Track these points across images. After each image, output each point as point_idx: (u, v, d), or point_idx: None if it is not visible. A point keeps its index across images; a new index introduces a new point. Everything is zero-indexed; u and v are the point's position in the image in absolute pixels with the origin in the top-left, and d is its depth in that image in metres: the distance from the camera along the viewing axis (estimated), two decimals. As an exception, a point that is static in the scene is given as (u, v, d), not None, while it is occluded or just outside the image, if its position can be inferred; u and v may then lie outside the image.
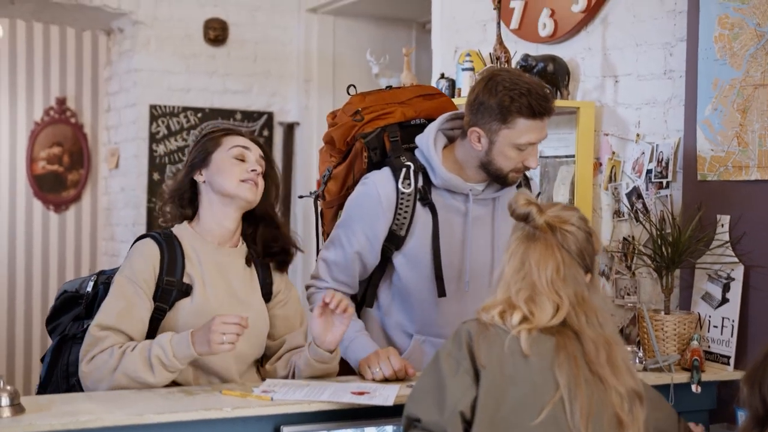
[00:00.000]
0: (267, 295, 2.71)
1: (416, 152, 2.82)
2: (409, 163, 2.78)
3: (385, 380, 2.62)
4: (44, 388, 2.68)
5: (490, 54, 3.97)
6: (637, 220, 3.49)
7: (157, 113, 6.00)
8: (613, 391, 2.09)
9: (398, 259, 2.81)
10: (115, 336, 2.47)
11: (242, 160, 2.60)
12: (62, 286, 2.80)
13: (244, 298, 2.65)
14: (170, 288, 2.55)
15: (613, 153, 3.65)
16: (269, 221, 2.71)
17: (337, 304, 2.53)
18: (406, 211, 2.76)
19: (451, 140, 2.84)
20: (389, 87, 3.24)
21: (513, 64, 3.80)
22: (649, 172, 3.47)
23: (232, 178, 2.58)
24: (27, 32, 7.38)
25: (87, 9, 5.88)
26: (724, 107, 3.09)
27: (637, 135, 3.56)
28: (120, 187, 6.23)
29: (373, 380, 2.63)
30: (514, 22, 4.10)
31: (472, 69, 3.86)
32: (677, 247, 3.06)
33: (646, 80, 3.57)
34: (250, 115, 6.24)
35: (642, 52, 3.59)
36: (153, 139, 6.00)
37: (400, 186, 2.76)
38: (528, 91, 2.62)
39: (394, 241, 2.79)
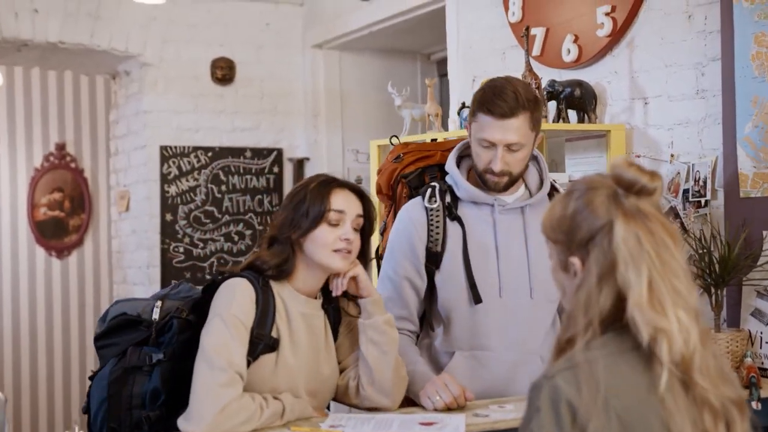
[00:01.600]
0: (335, 332, 2.69)
1: (446, 177, 2.88)
2: (434, 184, 2.86)
3: (447, 408, 2.61)
4: (105, 419, 2.56)
5: (515, 81, 3.99)
6: (676, 240, 3.49)
7: (167, 154, 5.98)
8: (705, 407, 1.63)
9: (438, 277, 2.83)
10: (240, 382, 2.40)
11: (336, 225, 2.55)
12: (117, 307, 2.67)
13: (323, 353, 2.61)
14: (258, 341, 2.48)
15: (647, 174, 3.66)
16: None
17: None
18: (437, 227, 2.81)
19: None
20: (434, 140, 3.30)
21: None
22: (686, 191, 3.49)
23: (325, 249, 2.52)
24: (24, 78, 7.36)
25: (95, 53, 5.88)
26: (765, 124, 3.11)
27: (672, 155, 3.58)
28: (131, 230, 6.20)
29: (435, 410, 2.61)
30: (536, 49, 4.13)
31: (501, 96, 3.87)
32: (726, 264, 3.07)
33: (677, 101, 3.59)
34: (259, 152, 6.23)
35: (672, 73, 3.62)
36: (164, 180, 5.97)
37: (426, 204, 2.82)
38: (494, 88, 2.70)
39: (432, 260, 2.82)
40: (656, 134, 3.68)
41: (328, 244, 2.51)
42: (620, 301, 1.63)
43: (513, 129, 2.67)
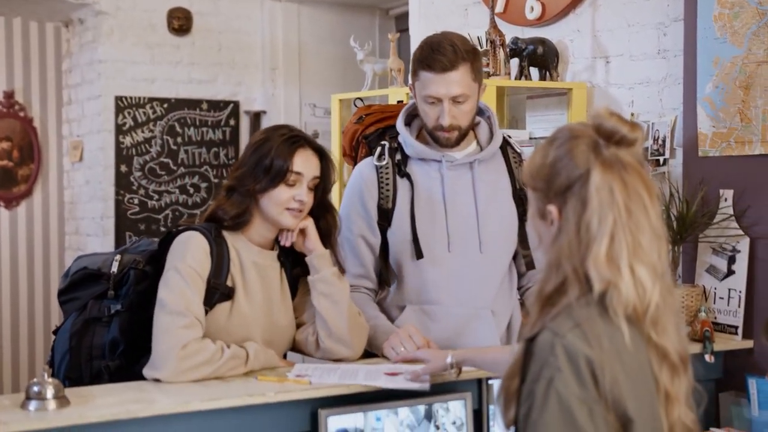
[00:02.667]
0: (293, 289, 2.72)
1: (398, 136, 2.90)
2: (384, 142, 2.89)
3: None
4: (66, 370, 2.60)
5: (479, 38, 4.00)
6: (634, 197, 3.55)
7: (122, 104, 5.91)
8: (665, 361, 1.69)
9: (389, 233, 2.87)
10: (199, 326, 2.44)
11: (293, 185, 2.56)
12: (79, 261, 2.72)
13: (277, 304, 2.65)
14: (214, 290, 2.52)
15: (606, 133, 3.71)
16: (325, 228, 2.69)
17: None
18: (387, 184, 2.84)
19: None
20: (400, 101, 3.31)
21: (503, 46, 3.84)
22: (645, 149, 3.54)
23: (278, 207, 2.55)
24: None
25: (48, 0, 5.76)
26: (725, 84, 3.17)
27: (632, 114, 3.63)
28: (85, 180, 6.13)
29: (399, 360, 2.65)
30: (500, 6, 4.14)
31: (464, 52, 3.87)
32: (683, 221, 3.14)
33: (638, 60, 3.64)
34: (216, 105, 6.18)
35: (634, 32, 3.65)
36: (119, 130, 5.90)
37: (375, 161, 2.86)
38: (431, 44, 2.73)
39: (384, 217, 2.85)
40: (617, 93, 3.72)
41: (282, 203, 2.55)
42: None
43: (455, 81, 2.70)
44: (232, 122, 6.22)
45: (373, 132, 3.01)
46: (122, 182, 5.92)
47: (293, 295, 2.72)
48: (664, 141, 3.47)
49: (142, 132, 5.98)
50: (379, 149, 2.87)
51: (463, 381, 2.53)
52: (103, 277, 2.64)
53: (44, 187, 7.41)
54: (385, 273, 2.91)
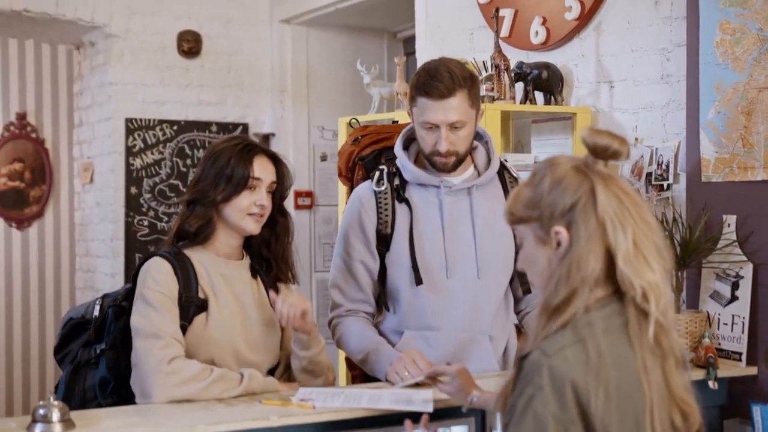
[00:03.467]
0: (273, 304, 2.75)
1: (396, 160, 2.93)
2: (382, 167, 2.91)
3: (415, 384, 2.65)
4: None
5: (484, 62, 4.04)
6: (638, 221, 3.57)
7: (133, 126, 5.96)
8: (672, 359, 1.75)
9: (387, 258, 2.88)
10: (177, 344, 2.47)
11: (253, 189, 2.62)
12: (67, 314, 2.79)
13: (253, 310, 2.68)
14: (189, 304, 2.56)
15: (611, 157, 3.73)
16: (279, 238, 2.74)
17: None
18: (386, 210, 2.86)
19: None
20: (395, 121, 3.35)
21: (509, 71, 3.87)
22: (649, 175, 3.56)
23: (240, 213, 2.61)
24: (-15, 47, 7.28)
25: (59, 23, 5.82)
26: (727, 110, 3.19)
27: (636, 139, 3.65)
28: (95, 202, 6.17)
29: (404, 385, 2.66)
30: (505, 30, 4.17)
31: (470, 77, 3.91)
32: (687, 247, 3.15)
33: (642, 85, 3.66)
34: (225, 127, 6.22)
35: (637, 57, 3.68)
36: (129, 152, 5.95)
37: (374, 186, 2.88)
38: (429, 71, 2.75)
39: (382, 242, 2.87)
40: (621, 117, 3.75)
41: (244, 209, 2.61)
42: (608, 261, 1.72)
43: (452, 108, 2.72)
44: (241, 144, 6.26)
45: (369, 153, 3.03)
46: (132, 204, 5.97)
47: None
48: (667, 166, 3.48)
49: (152, 154, 6.03)
50: (377, 174, 2.89)
51: (465, 406, 2.54)
52: (87, 324, 2.70)
53: (56, 208, 7.46)
54: (383, 297, 2.93)
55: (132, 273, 2.64)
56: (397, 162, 2.90)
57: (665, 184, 3.50)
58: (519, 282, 2.93)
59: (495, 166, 2.90)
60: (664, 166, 3.50)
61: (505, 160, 3.01)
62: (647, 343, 1.71)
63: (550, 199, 1.76)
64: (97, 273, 6.14)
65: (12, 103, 7.40)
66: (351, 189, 3.10)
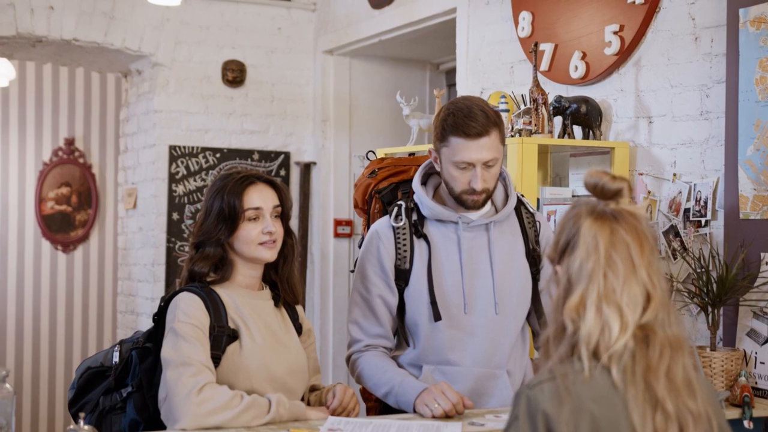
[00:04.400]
0: (298, 330, 2.79)
1: (414, 195, 2.94)
2: (400, 202, 2.91)
3: (445, 416, 2.65)
4: None
5: (522, 96, 4.05)
6: (675, 258, 3.55)
7: (176, 154, 6.04)
8: (659, 411, 1.73)
9: (406, 293, 2.89)
10: (208, 372, 2.48)
11: (257, 220, 2.64)
12: (82, 363, 2.78)
13: (284, 336, 2.71)
14: (221, 334, 2.57)
15: (649, 192, 3.72)
16: (285, 261, 2.77)
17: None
18: (405, 245, 2.87)
19: None
20: (412, 154, 3.37)
21: (547, 105, 3.88)
22: (687, 211, 3.54)
23: (251, 244, 2.63)
24: (36, 73, 7.44)
25: (108, 51, 5.93)
26: (766, 147, 3.16)
27: (674, 174, 3.63)
28: (138, 227, 6.25)
29: (433, 417, 2.66)
30: (545, 64, 4.18)
31: (508, 110, 3.93)
32: (723, 284, 3.12)
33: (681, 121, 3.65)
34: (267, 155, 6.29)
35: (677, 93, 3.67)
36: (172, 179, 6.03)
37: (392, 222, 2.88)
38: (461, 109, 2.75)
39: (401, 277, 2.88)
40: (659, 153, 3.73)
41: (253, 239, 2.63)
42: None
43: (487, 146, 2.74)
44: (282, 173, 6.32)
45: (386, 186, 3.05)
46: (173, 230, 6.04)
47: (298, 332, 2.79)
48: (705, 202, 3.46)
49: (195, 181, 6.10)
50: (395, 209, 2.90)
51: (494, 439, 2.54)
52: (107, 372, 2.70)
53: (101, 232, 7.59)
54: (402, 332, 2.94)
55: (154, 315, 2.65)
56: (415, 197, 2.92)
57: (703, 220, 3.47)
58: (536, 316, 2.93)
59: (513, 202, 2.91)
60: (702, 203, 3.48)
61: (522, 195, 3.01)
62: (633, 384, 1.72)
63: (559, 238, 1.82)
64: (138, 297, 6.21)
65: (61, 128, 7.56)
66: (367, 221, 3.12)
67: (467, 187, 2.78)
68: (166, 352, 2.51)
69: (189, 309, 2.54)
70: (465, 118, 2.73)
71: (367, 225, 3.10)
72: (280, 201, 2.69)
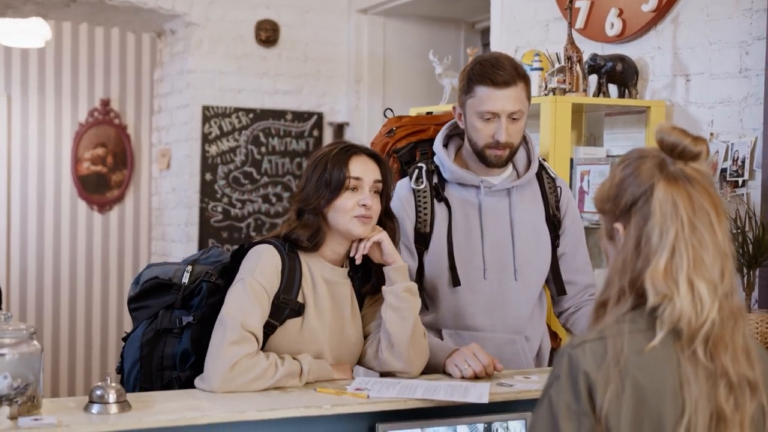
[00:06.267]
0: (361, 304, 2.73)
1: (434, 157, 2.90)
2: (421, 164, 2.87)
3: (475, 377, 2.63)
4: (137, 378, 2.65)
5: (557, 54, 3.98)
6: (711, 219, 3.48)
7: (209, 114, 6.03)
8: (723, 380, 1.65)
9: (426, 257, 2.87)
10: (252, 341, 2.46)
11: (356, 190, 2.59)
12: (150, 270, 2.76)
13: (349, 324, 2.66)
14: (284, 306, 2.55)
15: (685, 152, 3.64)
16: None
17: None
18: (425, 209, 2.83)
19: None
20: (429, 113, 3.33)
21: (582, 63, 3.80)
22: (723, 170, 3.46)
23: (345, 215, 2.57)
24: (72, 34, 7.45)
25: (141, 11, 5.92)
26: (807, 106, 3.08)
27: (711, 134, 3.55)
28: (171, 188, 6.27)
29: (462, 378, 2.64)
30: (580, 22, 4.10)
31: (542, 69, 3.86)
32: (760, 245, 3.06)
33: (719, 79, 3.56)
34: (300, 116, 6.26)
35: (715, 50, 3.58)
36: (205, 139, 6.03)
37: (412, 185, 2.84)
38: (488, 59, 2.73)
39: (421, 241, 2.85)
40: (696, 112, 3.65)
41: (348, 210, 2.56)
42: None
43: (514, 97, 2.70)
44: (315, 133, 6.30)
45: (404, 146, 3.00)
46: (207, 190, 6.04)
47: (361, 306, 2.73)
48: (743, 162, 3.39)
49: (227, 141, 6.09)
50: (416, 172, 2.86)
51: (523, 400, 2.51)
52: (173, 288, 2.67)
53: (136, 193, 7.62)
54: (420, 295, 2.90)
55: (235, 250, 2.63)
56: (436, 159, 2.88)
57: (740, 180, 3.40)
58: (554, 283, 2.91)
59: (535, 167, 2.87)
60: (739, 162, 3.40)
61: (544, 159, 2.96)
62: (689, 354, 1.64)
63: (618, 191, 1.71)
64: (171, 257, 6.24)
65: (97, 89, 7.58)
66: None
67: (491, 140, 2.74)
68: (227, 301, 2.50)
69: (267, 268, 2.52)
70: (492, 67, 2.70)
71: None
72: (382, 177, 2.62)
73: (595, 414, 1.61)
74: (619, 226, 1.70)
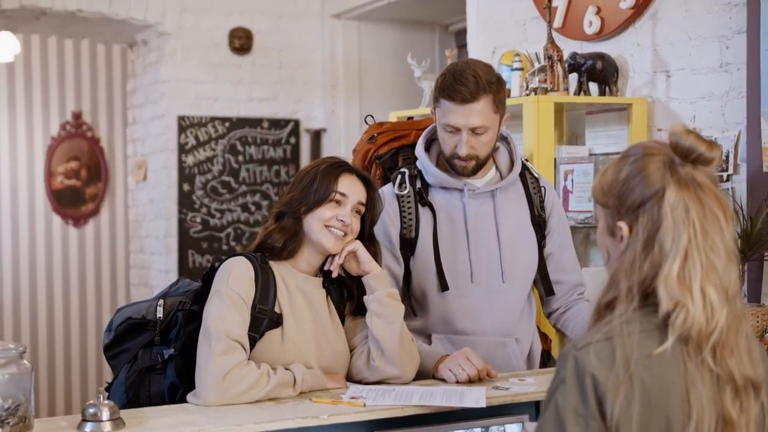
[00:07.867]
0: (341, 315, 2.71)
1: (417, 162, 2.89)
2: (404, 170, 2.87)
3: (469, 381, 2.61)
4: None
5: (536, 54, 3.97)
6: (697, 214, 3.48)
7: (185, 124, 5.98)
8: (729, 384, 1.65)
9: (412, 263, 2.85)
10: (240, 350, 2.43)
11: (338, 204, 2.58)
12: (122, 313, 2.72)
13: (330, 330, 2.63)
14: (261, 317, 2.52)
15: (668, 148, 3.65)
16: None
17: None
18: (410, 214, 2.83)
19: None
20: (410, 118, 3.32)
21: (562, 62, 3.80)
22: (709, 166, 3.46)
23: (319, 223, 2.56)
24: (41, 47, 7.37)
25: (113, 22, 5.87)
26: (790, 98, 3.09)
27: (693, 129, 3.54)
28: (149, 199, 6.21)
29: (457, 382, 2.62)
30: (558, 21, 4.10)
31: (522, 69, 3.85)
32: (748, 239, 3.06)
33: (700, 74, 3.57)
34: (276, 123, 6.22)
35: (695, 46, 3.59)
36: (182, 149, 5.98)
37: (396, 190, 2.84)
38: (454, 73, 2.70)
39: (407, 246, 2.84)
40: (678, 108, 3.66)
41: (324, 220, 2.55)
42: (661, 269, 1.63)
43: (475, 113, 2.68)
44: (292, 140, 6.26)
45: (386, 152, 3.00)
46: (185, 201, 5.99)
47: (342, 320, 2.71)
48: (727, 156, 3.39)
49: (204, 151, 6.05)
50: (399, 177, 2.86)
51: (520, 403, 2.50)
52: (149, 325, 2.64)
53: (111, 205, 7.56)
54: (407, 301, 2.88)
55: (204, 274, 2.60)
56: (418, 164, 2.87)
57: (725, 174, 3.40)
58: (542, 283, 2.90)
59: (517, 168, 2.87)
60: (723, 157, 3.40)
61: (526, 160, 2.95)
62: (695, 356, 1.62)
63: (624, 189, 1.68)
64: (151, 269, 6.18)
65: (68, 102, 7.51)
66: None
67: (454, 151, 2.75)
68: (207, 317, 2.46)
69: (241, 278, 2.50)
70: (454, 82, 2.68)
71: None
72: (368, 201, 2.62)
73: (604, 418, 1.59)
74: (623, 224, 1.68)
